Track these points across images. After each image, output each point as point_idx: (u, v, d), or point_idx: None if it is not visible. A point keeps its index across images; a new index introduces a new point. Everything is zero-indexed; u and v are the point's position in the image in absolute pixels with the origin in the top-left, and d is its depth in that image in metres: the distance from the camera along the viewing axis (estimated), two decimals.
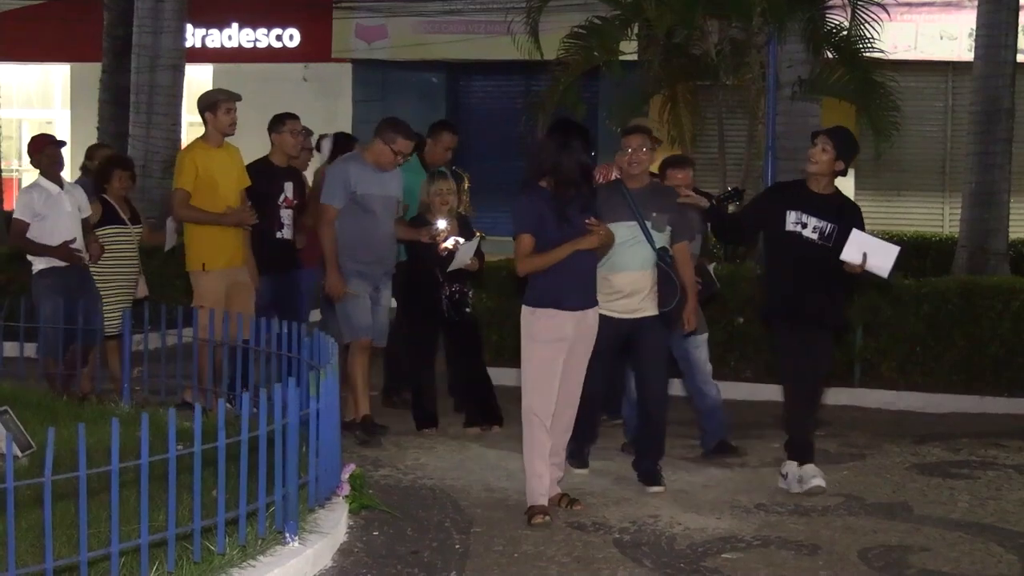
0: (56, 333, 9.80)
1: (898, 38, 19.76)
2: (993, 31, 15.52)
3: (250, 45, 24.45)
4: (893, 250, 7.96)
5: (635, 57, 15.90)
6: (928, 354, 11.50)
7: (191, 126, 24.63)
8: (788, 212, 8.02)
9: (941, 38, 22.04)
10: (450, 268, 9.63)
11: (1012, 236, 16.59)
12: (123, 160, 11.29)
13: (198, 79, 24.21)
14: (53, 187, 10.10)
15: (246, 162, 10.20)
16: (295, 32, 24.19)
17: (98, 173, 10.88)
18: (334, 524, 6.76)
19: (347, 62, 23.95)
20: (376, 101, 23.24)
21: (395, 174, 9.66)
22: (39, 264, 10.09)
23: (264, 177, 10.20)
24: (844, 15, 13.99)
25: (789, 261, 8.09)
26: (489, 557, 6.79)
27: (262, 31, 24.33)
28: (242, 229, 9.95)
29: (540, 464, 7.45)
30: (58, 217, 10.00)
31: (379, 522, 7.29)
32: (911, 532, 7.39)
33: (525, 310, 7.47)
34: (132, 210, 10.77)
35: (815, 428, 8.56)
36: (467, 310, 9.93)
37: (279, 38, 24.33)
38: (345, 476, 7.25)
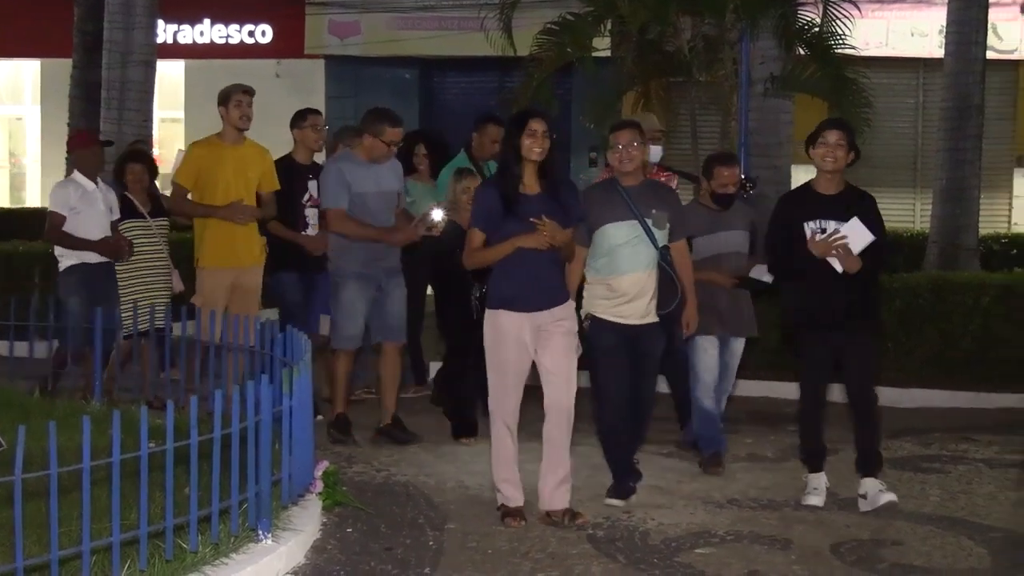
0: (81, 330, 9.59)
1: (869, 35, 19.79)
2: (963, 28, 15.57)
3: (222, 41, 24.32)
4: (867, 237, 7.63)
5: (608, 53, 15.88)
6: (900, 349, 11.56)
7: (163, 122, 24.57)
8: (806, 224, 7.70)
9: (912, 35, 22.10)
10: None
11: (982, 232, 16.65)
12: (137, 153, 11.11)
13: (170, 75, 24.11)
14: (88, 183, 10.04)
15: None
16: (267, 28, 24.07)
17: (115, 168, 10.77)
18: (307, 521, 6.75)
19: (320, 58, 23.84)
20: (349, 97, 23.15)
21: (391, 167, 9.46)
22: (67, 260, 10.02)
23: (287, 175, 9.95)
24: (816, 12, 14.00)
25: (816, 270, 7.64)
26: (463, 554, 6.79)
27: (234, 27, 24.20)
28: (250, 229, 9.74)
29: (504, 469, 7.38)
30: (92, 214, 9.96)
31: (353, 519, 7.28)
32: (883, 526, 7.43)
33: (485, 312, 7.41)
34: (155, 203, 10.59)
35: (879, 438, 8.06)
36: None
37: (251, 34, 24.21)
38: (318, 473, 7.24)
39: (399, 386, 9.70)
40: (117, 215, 10.21)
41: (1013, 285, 12.03)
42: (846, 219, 7.63)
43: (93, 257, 10.03)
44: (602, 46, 14.94)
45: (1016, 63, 22.28)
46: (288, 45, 23.89)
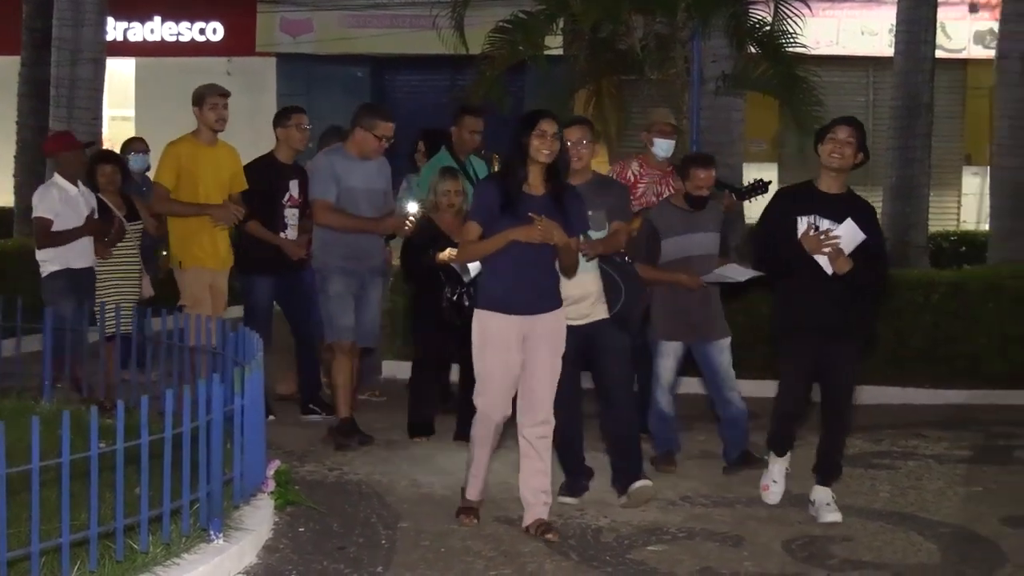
0: (73, 335, 9.41)
1: (820, 34, 19.90)
2: (913, 27, 15.69)
3: (173, 39, 24.23)
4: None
5: (561, 52, 15.90)
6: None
7: (113, 120, 24.42)
8: (800, 218, 7.37)
9: (862, 34, 22.26)
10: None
11: (931, 229, 16.78)
12: (107, 154, 10.87)
13: (120, 73, 23.97)
14: (70, 187, 9.91)
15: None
16: (218, 26, 23.99)
17: (87, 171, 10.51)
18: (259, 521, 6.72)
19: (271, 56, 23.78)
20: (301, 95, 23.07)
21: (380, 164, 9.28)
22: (51, 266, 9.86)
23: (267, 174, 9.79)
24: (767, 11, 14.06)
25: (805, 270, 7.35)
26: (416, 552, 6.78)
27: (185, 24, 24.10)
28: (225, 232, 9.61)
29: (481, 468, 7.30)
30: (74, 218, 9.83)
31: (305, 518, 7.26)
32: (834, 523, 7.45)
33: (475, 312, 7.18)
34: (130, 206, 10.38)
35: (843, 448, 7.97)
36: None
37: (202, 32, 24.12)
38: (270, 472, 7.20)
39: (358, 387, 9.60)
40: (95, 217, 10.04)
41: (962, 282, 12.12)
42: (842, 220, 7.32)
43: (77, 262, 9.86)
44: (554, 44, 14.96)
45: (964, 62, 22.50)
46: (239, 43, 23.82)
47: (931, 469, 8.92)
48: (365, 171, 9.12)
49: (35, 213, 9.94)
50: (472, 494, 7.38)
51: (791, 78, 13.37)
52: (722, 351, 8.73)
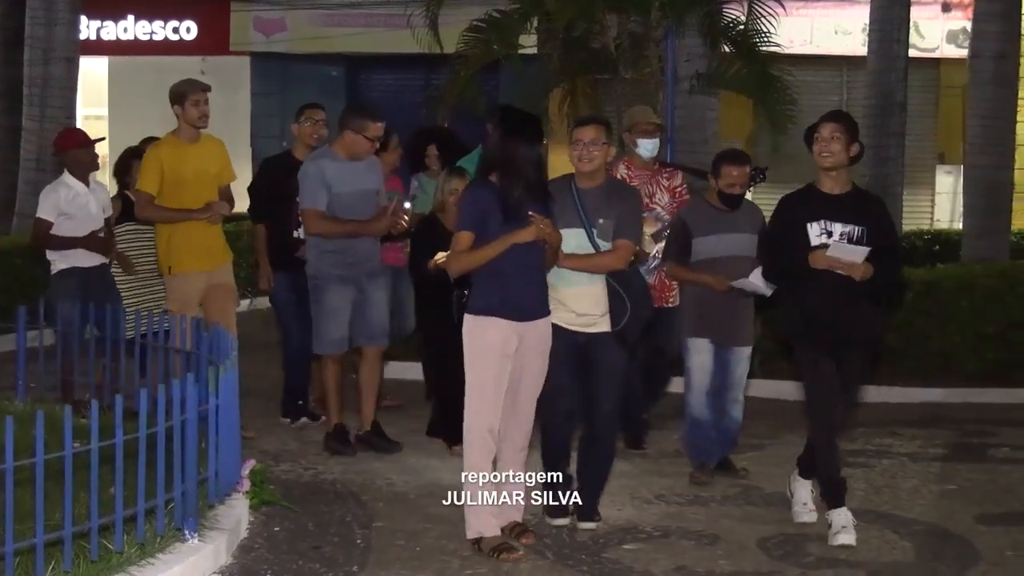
0: (74, 337, 9.19)
1: (794, 33, 19.97)
2: (886, 26, 15.74)
3: (146, 37, 24.16)
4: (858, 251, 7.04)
5: (535, 51, 15.91)
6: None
7: (86, 119, 24.31)
8: (810, 225, 7.04)
9: (836, 33, 22.34)
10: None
11: (905, 228, 16.84)
12: (140, 152, 10.22)
13: (93, 72, 23.89)
14: (80, 186, 9.66)
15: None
16: (192, 24, 23.94)
17: (117, 167, 10.35)
18: (234, 520, 6.70)
19: (245, 55, 23.75)
20: (275, 95, 23.10)
21: (371, 164, 9.03)
22: (60, 264, 9.63)
23: (283, 172, 9.57)
24: (741, 10, 14.10)
25: (817, 276, 6.99)
26: (391, 551, 6.77)
27: (158, 23, 24.04)
28: (218, 228, 9.41)
29: (482, 491, 6.77)
30: (85, 218, 9.59)
31: (280, 518, 7.24)
32: (809, 521, 7.45)
33: (467, 318, 6.83)
34: None
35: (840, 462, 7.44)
36: None
37: (176, 30, 24.06)
38: (245, 472, 7.18)
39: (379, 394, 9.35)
40: (110, 212, 9.86)
41: (936, 280, 12.17)
42: (854, 221, 7.01)
43: (86, 260, 9.63)
44: (528, 43, 14.99)
45: (938, 61, 22.60)
46: (213, 42, 23.78)
47: (905, 467, 8.95)
48: (355, 172, 8.89)
49: (37, 213, 9.73)
50: (485, 529, 6.80)
51: (765, 77, 13.41)
52: (740, 360, 8.44)
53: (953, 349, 11.79)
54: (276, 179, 9.70)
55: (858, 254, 6.95)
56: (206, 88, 9.37)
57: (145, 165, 9.29)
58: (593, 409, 7.29)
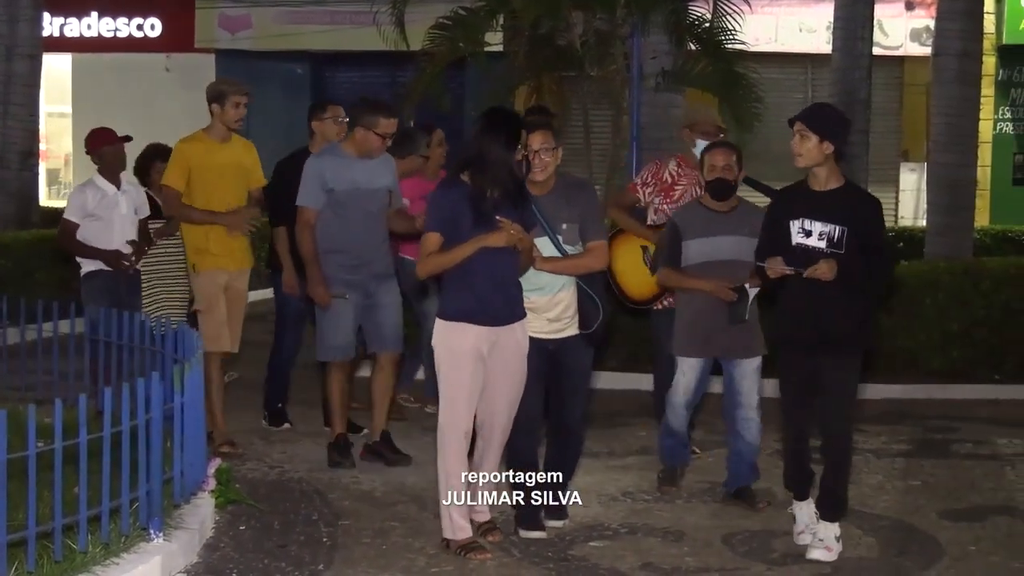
0: (99, 339, 8.79)
1: (759, 30, 20.05)
2: (850, 24, 15.77)
3: (110, 34, 24.05)
4: None
5: (500, 48, 15.94)
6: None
7: (50, 117, 24.20)
8: (791, 222, 6.78)
9: (801, 31, 22.41)
10: None
11: None
12: (164, 151, 10.05)
13: (57, 69, 23.78)
14: (109, 187, 9.37)
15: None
16: (156, 22, 23.83)
17: (138, 165, 10.18)
18: (200, 520, 6.68)
19: (210, 52, 23.66)
20: None
21: (384, 161, 8.59)
22: (88, 266, 9.37)
23: (298, 173, 8.96)
24: (706, 7, 14.15)
25: (797, 278, 6.72)
26: (357, 549, 6.77)
27: (123, 20, 23.93)
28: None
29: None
30: (112, 219, 9.33)
31: (246, 516, 7.22)
32: (774, 517, 7.50)
33: (439, 323, 6.72)
34: None
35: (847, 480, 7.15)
36: None
37: (140, 27, 23.95)
38: (211, 471, 7.17)
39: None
40: (146, 213, 9.63)
41: (900, 278, 12.17)
42: (838, 219, 6.72)
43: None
44: (494, 41, 15.02)
45: (901, 59, 22.71)
46: (178, 39, 23.69)
47: (869, 463, 8.98)
48: (366, 169, 8.46)
49: (64, 214, 9.50)
50: (458, 532, 6.75)
51: (730, 75, 13.47)
52: (745, 374, 7.84)
53: (917, 346, 11.83)
54: (292, 180, 9.07)
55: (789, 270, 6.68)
56: (247, 91, 9.10)
57: (172, 160, 9.06)
58: (565, 412, 7.21)
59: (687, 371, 7.89)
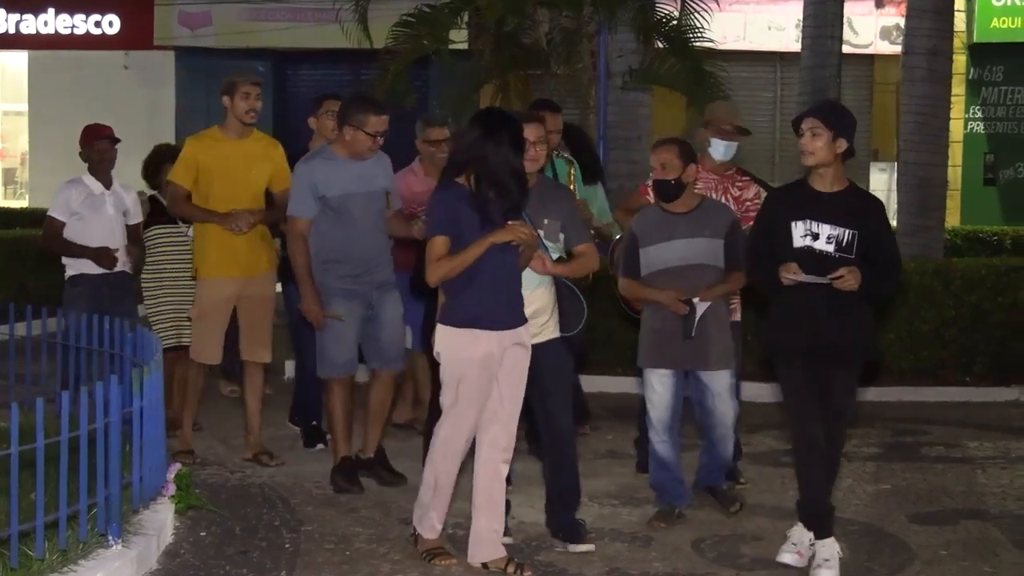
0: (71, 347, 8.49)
1: (727, 28, 20.03)
2: (819, 22, 15.72)
3: (67, 31, 23.81)
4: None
5: (465, 46, 15.87)
6: (760, 343, 11.59)
7: (6, 115, 24.00)
8: (794, 224, 6.45)
9: (769, 28, 22.42)
10: None
11: None
12: (173, 152, 9.67)
13: (13, 66, 23.59)
14: (96, 185, 9.02)
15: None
16: (115, 18, 23.62)
17: (146, 166, 9.89)
18: (159, 525, 6.61)
19: (170, 50, 23.49)
20: (200, 90, 22.80)
21: (378, 161, 8.04)
22: (71, 270, 9.05)
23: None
24: (674, 5, 14.11)
25: (799, 285, 6.41)
26: (320, 555, 6.69)
27: (80, 17, 23.70)
28: (261, 231, 8.66)
29: (440, 501, 6.61)
30: (97, 219, 8.97)
31: (207, 522, 7.15)
32: (743, 521, 7.47)
33: (445, 330, 6.49)
34: None
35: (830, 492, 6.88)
36: None
37: (98, 24, 23.73)
38: (171, 475, 7.09)
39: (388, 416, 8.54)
40: (138, 219, 9.30)
41: None
42: (844, 223, 6.42)
43: (95, 267, 9.03)
44: (459, 39, 14.95)
45: (871, 57, 22.77)
46: (136, 36, 23.50)
47: (840, 467, 8.90)
48: (359, 172, 7.94)
49: (49, 211, 9.20)
50: (438, 531, 6.69)
51: (698, 73, 13.43)
52: (715, 392, 7.44)
53: (887, 347, 11.78)
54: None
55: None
56: (258, 81, 8.75)
57: (180, 157, 8.73)
58: (552, 424, 7.00)
59: (656, 386, 7.42)
